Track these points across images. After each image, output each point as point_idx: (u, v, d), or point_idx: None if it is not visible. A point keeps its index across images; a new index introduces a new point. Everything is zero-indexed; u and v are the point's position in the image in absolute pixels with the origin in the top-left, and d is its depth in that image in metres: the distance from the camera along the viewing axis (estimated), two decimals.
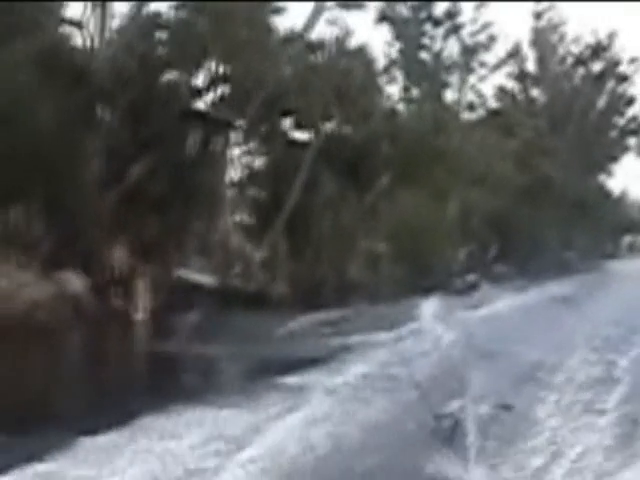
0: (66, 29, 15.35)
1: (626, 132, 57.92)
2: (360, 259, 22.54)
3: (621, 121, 57.20)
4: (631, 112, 56.56)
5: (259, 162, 18.99)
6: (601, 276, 44.32)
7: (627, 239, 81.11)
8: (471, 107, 42.85)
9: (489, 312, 22.07)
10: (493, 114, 40.89)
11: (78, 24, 15.03)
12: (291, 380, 10.83)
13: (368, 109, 20.62)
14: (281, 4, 19.45)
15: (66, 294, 13.89)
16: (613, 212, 65.20)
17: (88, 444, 7.40)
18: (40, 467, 6.78)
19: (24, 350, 11.49)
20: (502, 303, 24.63)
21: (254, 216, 19.14)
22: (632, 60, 52.78)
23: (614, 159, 59.41)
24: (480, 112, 42.22)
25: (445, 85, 40.37)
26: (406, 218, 26.90)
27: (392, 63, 34.91)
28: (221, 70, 17.79)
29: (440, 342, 14.85)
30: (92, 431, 7.74)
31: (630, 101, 55.64)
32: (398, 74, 35.12)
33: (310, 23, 19.20)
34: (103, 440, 7.61)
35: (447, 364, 12.69)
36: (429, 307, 20.09)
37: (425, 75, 38.07)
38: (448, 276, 29.24)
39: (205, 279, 17.45)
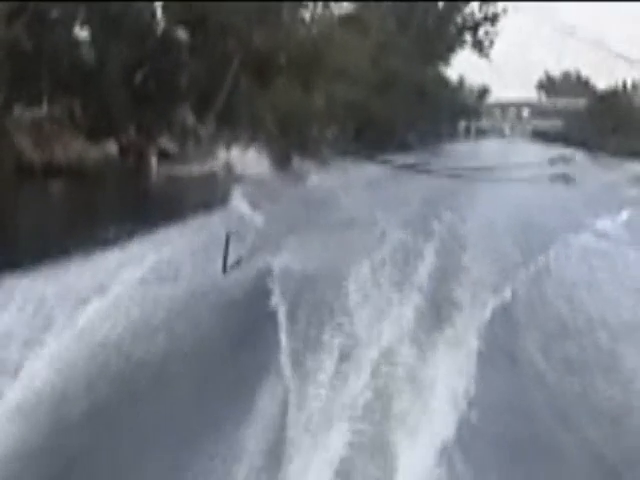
0: None
1: (463, 28, 69.96)
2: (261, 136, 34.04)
3: (459, 19, 69.29)
4: (468, 10, 68.79)
5: (202, 67, 29.79)
6: (434, 155, 56.67)
7: (463, 123, 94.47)
8: (326, 6, 53.44)
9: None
10: (349, 18, 51.72)
11: None
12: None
13: (277, 30, 31.86)
14: None
15: (109, 155, 24.94)
16: (451, 99, 77.05)
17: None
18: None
19: (105, 181, 22.70)
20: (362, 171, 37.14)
21: (199, 104, 30.21)
22: None
23: (452, 50, 71.02)
24: (334, 11, 52.42)
25: None
26: (288, 107, 38.20)
27: None
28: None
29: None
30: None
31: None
32: None
33: None
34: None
35: None
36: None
37: None
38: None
39: (171, 147, 28.78)
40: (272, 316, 10.29)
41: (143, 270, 12.65)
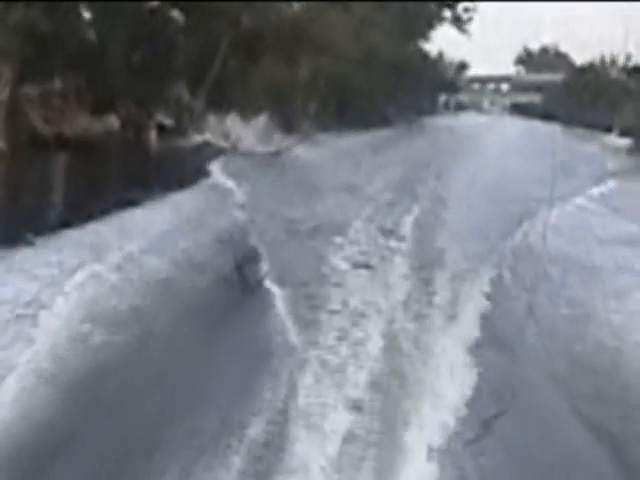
0: None
1: (443, 4, 72.02)
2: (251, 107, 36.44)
3: None
4: None
5: (195, 46, 32.14)
6: (413, 127, 59.44)
7: (443, 98, 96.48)
8: None
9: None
10: None
11: None
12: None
13: (265, 10, 34.30)
14: None
15: (112, 128, 27.34)
16: (430, 73, 78.80)
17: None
18: None
19: (111, 150, 25.07)
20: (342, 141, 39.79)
21: (193, 81, 32.60)
22: None
23: (431, 26, 73.08)
24: None
25: None
26: (274, 82, 40.59)
27: None
28: None
29: None
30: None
31: None
32: None
33: None
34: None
35: None
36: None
37: None
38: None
39: (168, 121, 31.18)
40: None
41: (165, 225, 15.38)
